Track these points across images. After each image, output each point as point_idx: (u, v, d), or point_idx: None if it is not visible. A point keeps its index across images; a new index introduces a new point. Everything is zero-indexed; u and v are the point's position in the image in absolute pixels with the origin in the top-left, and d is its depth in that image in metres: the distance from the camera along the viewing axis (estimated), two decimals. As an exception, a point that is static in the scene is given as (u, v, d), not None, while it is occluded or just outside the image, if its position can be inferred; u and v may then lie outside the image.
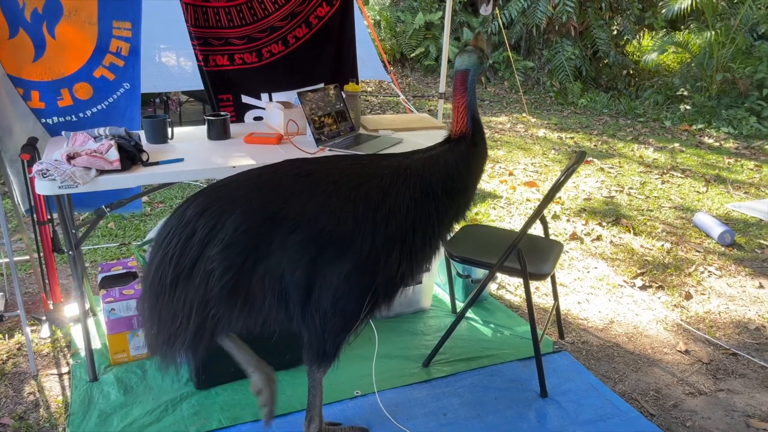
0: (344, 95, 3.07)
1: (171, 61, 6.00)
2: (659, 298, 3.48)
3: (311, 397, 2.16)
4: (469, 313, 3.17)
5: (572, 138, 7.16)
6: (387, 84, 9.30)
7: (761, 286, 3.63)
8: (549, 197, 2.48)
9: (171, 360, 1.85)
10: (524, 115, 8.09)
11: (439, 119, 3.68)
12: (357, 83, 3.18)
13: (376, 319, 2.01)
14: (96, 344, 2.82)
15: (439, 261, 3.18)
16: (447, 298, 3.30)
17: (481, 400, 2.54)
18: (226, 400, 2.50)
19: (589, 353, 2.91)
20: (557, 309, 2.98)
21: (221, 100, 3.35)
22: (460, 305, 3.27)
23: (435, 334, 2.98)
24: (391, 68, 9.97)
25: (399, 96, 4.55)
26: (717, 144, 7.24)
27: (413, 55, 10.37)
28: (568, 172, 2.42)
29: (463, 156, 2.15)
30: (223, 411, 2.43)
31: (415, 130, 3.18)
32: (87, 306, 2.80)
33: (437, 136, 3.08)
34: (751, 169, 6.19)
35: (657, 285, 3.61)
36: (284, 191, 1.82)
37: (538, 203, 4.76)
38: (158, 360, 1.87)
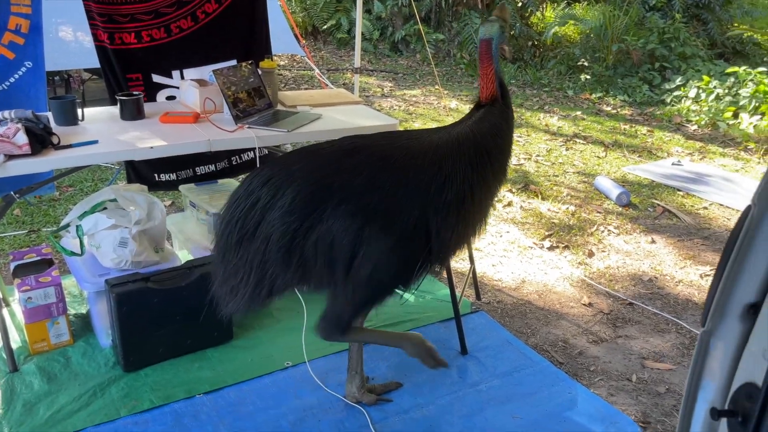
0: (260, 72, 3.07)
1: (68, 36, 5.69)
2: (565, 257, 3.75)
3: (351, 354, 2.35)
4: (392, 281, 3.30)
5: (483, 109, 7.41)
6: (300, 58, 9.22)
7: (653, 242, 3.99)
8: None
9: (231, 310, 2.07)
10: (437, 87, 8.27)
11: (355, 93, 3.75)
12: (272, 59, 3.19)
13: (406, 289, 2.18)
14: (12, 335, 2.73)
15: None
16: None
17: (406, 362, 2.68)
18: (157, 380, 2.51)
19: (503, 311, 3.13)
20: (474, 272, 3.17)
21: (130, 79, 3.26)
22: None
23: (360, 303, 3.09)
24: (304, 42, 9.87)
25: (314, 70, 4.56)
26: (614, 111, 7.73)
27: (325, 27, 10.30)
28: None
29: (502, 114, 2.25)
30: (154, 391, 2.44)
31: (333, 105, 3.24)
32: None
33: (356, 111, 3.16)
34: (644, 134, 6.68)
35: (563, 245, 3.88)
36: (338, 165, 1.98)
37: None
38: (222, 308, 2.09)
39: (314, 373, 2.56)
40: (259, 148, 2.89)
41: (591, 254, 3.78)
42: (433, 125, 6.52)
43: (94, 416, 2.31)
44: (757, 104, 6.75)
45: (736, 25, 10.61)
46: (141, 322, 2.52)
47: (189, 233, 3.11)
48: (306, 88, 7.91)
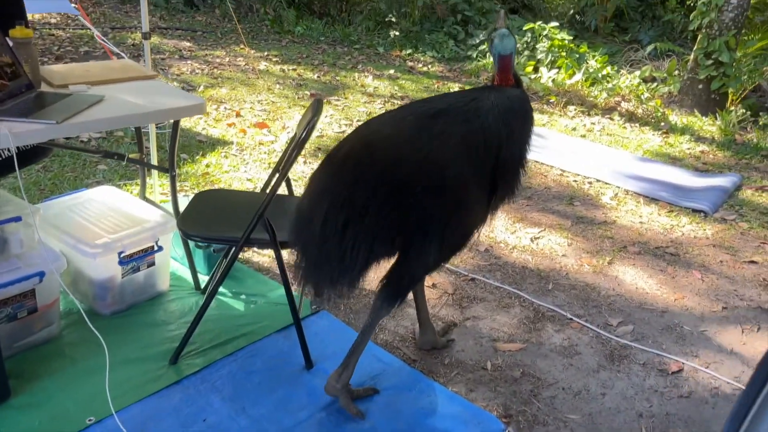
0: (11, 43, 2.33)
1: None
2: (401, 233, 3.54)
3: (358, 342, 2.16)
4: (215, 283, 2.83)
5: (295, 70, 6.95)
6: (76, 16, 7.89)
7: (483, 207, 3.95)
8: (292, 158, 2.22)
9: (332, 296, 2.03)
10: (242, 46, 7.59)
11: (146, 64, 3.09)
12: (27, 26, 2.44)
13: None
14: None
15: (173, 233, 2.74)
16: (188, 274, 2.90)
17: (243, 390, 2.27)
18: None
19: (347, 307, 2.83)
20: (310, 268, 2.81)
21: None
22: (203, 279, 2.90)
23: (180, 321, 2.59)
24: (78, -5, 8.47)
25: (93, 30, 3.77)
26: (425, 68, 7.72)
27: (104, -22, 8.94)
28: (309, 127, 2.16)
29: (524, 95, 2.30)
30: None
31: (118, 81, 2.60)
32: None
33: (150, 89, 2.56)
34: (457, 92, 6.73)
35: (398, 220, 3.67)
36: (428, 132, 1.96)
37: (271, 146, 4.49)
38: (319, 298, 2.10)
39: (127, 426, 2.05)
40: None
41: (426, 227, 3.61)
42: (243, 90, 5.94)
43: None
44: (553, 58, 7.14)
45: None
46: None
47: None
48: (85, 52, 6.77)
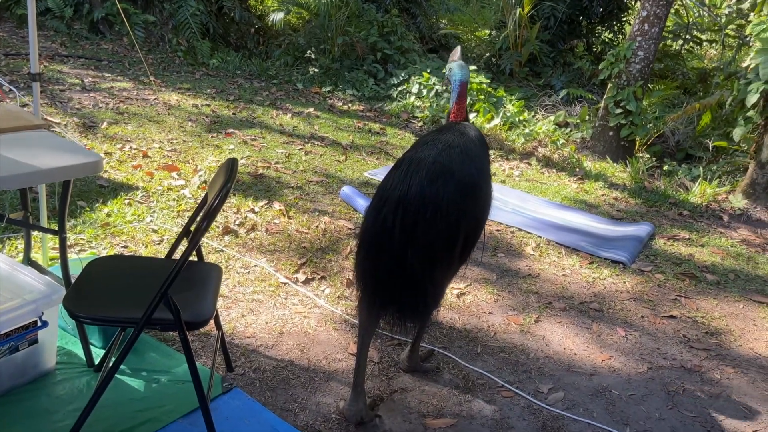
0: None
1: None
2: (323, 291, 3.33)
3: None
4: (111, 363, 2.49)
5: (209, 106, 6.62)
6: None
7: (407, 259, 3.80)
8: (203, 228, 1.97)
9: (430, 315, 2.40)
10: (151, 78, 7.19)
11: (36, 111, 2.74)
12: None
13: None
14: None
15: (60, 304, 2.40)
16: (78, 347, 2.54)
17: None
18: None
19: (263, 382, 2.57)
20: (222, 340, 2.54)
21: None
22: (97, 353, 2.55)
23: (68, 409, 2.24)
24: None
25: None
26: (346, 107, 7.61)
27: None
28: (222, 194, 1.93)
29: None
30: None
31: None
32: None
33: (36, 142, 2.24)
34: (378, 133, 6.64)
35: (319, 276, 3.46)
36: (460, 158, 2.23)
37: (180, 192, 4.16)
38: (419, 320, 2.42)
39: None
40: None
41: (349, 284, 3.42)
42: (152, 128, 5.56)
43: None
44: (471, 102, 7.21)
45: (435, 20, 11.40)
46: None
47: None
48: (-27, 80, 6.15)
